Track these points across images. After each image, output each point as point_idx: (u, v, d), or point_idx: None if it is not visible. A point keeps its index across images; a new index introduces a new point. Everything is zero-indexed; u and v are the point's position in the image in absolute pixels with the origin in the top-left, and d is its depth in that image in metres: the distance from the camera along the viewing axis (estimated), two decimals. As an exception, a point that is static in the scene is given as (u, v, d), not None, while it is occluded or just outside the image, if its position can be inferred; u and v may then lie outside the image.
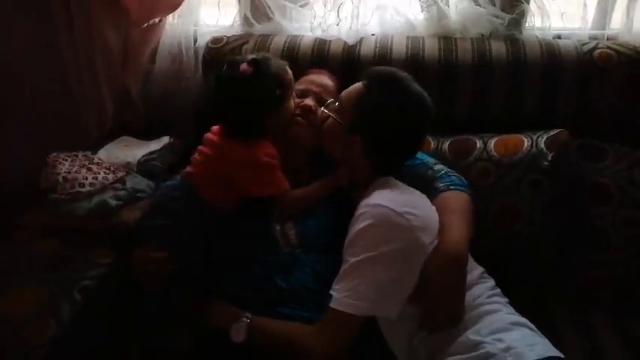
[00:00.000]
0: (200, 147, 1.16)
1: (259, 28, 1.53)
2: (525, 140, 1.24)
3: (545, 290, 1.27)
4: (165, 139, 1.52)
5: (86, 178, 1.30)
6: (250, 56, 1.10)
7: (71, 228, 1.27)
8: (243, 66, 1.07)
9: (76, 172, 1.32)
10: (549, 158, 1.18)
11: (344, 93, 1.11)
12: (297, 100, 1.23)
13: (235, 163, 1.09)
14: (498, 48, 1.38)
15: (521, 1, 1.42)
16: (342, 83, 1.31)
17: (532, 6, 1.44)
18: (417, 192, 1.07)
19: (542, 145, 1.21)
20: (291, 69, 1.37)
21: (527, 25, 1.46)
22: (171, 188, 1.15)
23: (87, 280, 1.15)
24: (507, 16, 1.42)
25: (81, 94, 1.60)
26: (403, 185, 1.07)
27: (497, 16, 1.43)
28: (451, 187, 1.11)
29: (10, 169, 1.61)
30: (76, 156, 1.39)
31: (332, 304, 0.96)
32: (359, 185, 1.09)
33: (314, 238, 1.13)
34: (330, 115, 1.11)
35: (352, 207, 1.08)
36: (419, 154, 1.19)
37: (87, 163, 1.37)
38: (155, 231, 1.10)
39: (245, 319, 1.02)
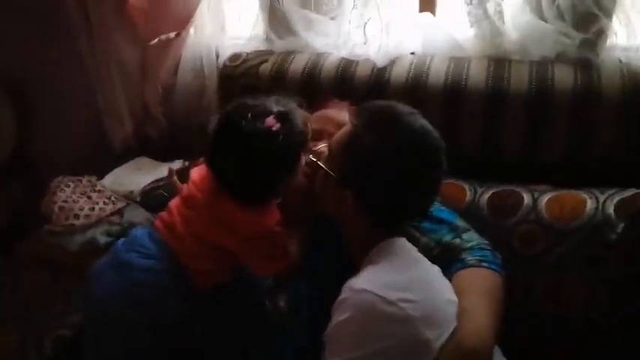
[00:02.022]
0: (180, 203, 0.94)
1: (282, 44, 1.37)
2: (589, 200, 0.97)
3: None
4: (178, 164, 1.40)
5: (82, 209, 1.23)
6: (275, 107, 0.89)
7: (63, 262, 1.20)
8: (270, 120, 0.87)
9: (73, 201, 1.25)
10: (618, 229, 0.91)
11: (335, 136, 0.91)
12: (310, 144, 1.01)
13: (243, 235, 0.89)
14: (564, 74, 1.11)
15: (599, 15, 1.12)
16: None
17: (614, 21, 1.13)
18: (426, 264, 0.85)
19: (611, 211, 0.93)
20: (311, 95, 1.21)
21: (607, 44, 1.16)
22: (145, 257, 0.90)
23: (63, 329, 1.06)
24: (580, 36, 1.13)
25: (104, 106, 1.55)
26: (407, 254, 0.85)
27: (566, 35, 1.14)
28: (483, 263, 0.87)
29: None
30: (80, 181, 1.33)
31: None
32: (359, 250, 0.88)
33: (305, 305, 0.96)
34: (318, 165, 0.91)
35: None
36: (445, 212, 0.96)
37: (88, 190, 1.30)
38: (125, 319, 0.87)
39: None
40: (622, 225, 0.91)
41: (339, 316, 0.78)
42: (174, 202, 0.95)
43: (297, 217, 1.01)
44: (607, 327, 0.94)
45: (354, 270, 0.86)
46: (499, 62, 1.17)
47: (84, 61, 1.50)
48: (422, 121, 0.85)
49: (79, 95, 1.60)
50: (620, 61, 1.14)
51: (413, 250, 0.87)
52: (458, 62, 1.18)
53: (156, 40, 1.38)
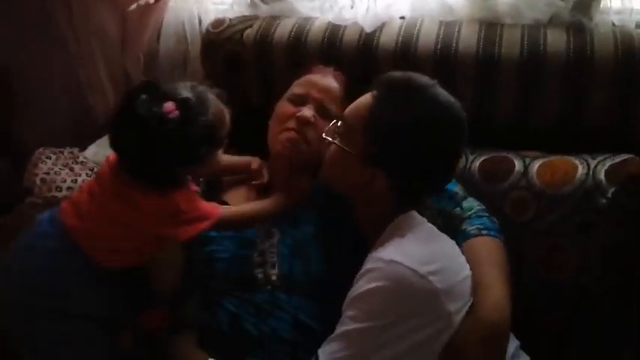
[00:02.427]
0: (93, 180, 0.90)
1: (267, 9, 1.32)
2: (580, 166, 0.96)
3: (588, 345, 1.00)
4: (162, 134, 1.37)
5: (65, 181, 1.19)
6: (183, 94, 0.82)
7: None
8: (169, 106, 0.80)
9: (55, 173, 1.21)
10: (608, 194, 0.90)
11: (350, 111, 0.87)
12: (292, 109, 1.01)
13: (146, 212, 0.84)
14: (556, 39, 1.08)
15: (594, -24, 1.09)
16: (356, 81, 1.09)
17: (609, -17, 1.11)
18: (444, 237, 0.85)
19: (602, 176, 0.92)
20: (298, 61, 1.18)
21: (600, 7, 1.13)
22: (41, 240, 0.86)
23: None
24: (574, -2, 1.10)
25: (85, 79, 1.50)
26: (426, 226, 0.85)
27: (560, -3, 1.11)
28: (483, 231, 0.88)
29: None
30: (62, 153, 1.28)
31: None
32: (376, 225, 0.86)
33: (300, 281, 0.94)
34: (333, 143, 0.87)
35: (357, 243, 0.89)
36: None
37: (70, 162, 1.25)
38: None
39: None
40: (612, 190, 0.91)
41: (366, 284, 0.77)
42: (88, 180, 0.92)
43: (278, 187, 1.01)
44: (598, 292, 0.94)
45: (362, 247, 0.85)
46: (491, 26, 1.13)
47: (63, 33, 1.45)
48: (444, 93, 0.84)
49: (60, 67, 1.53)
50: (614, 24, 1.11)
51: (429, 223, 0.86)
52: (448, 26, 1.15)
53: (134, 5, 1.32)
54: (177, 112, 0.80)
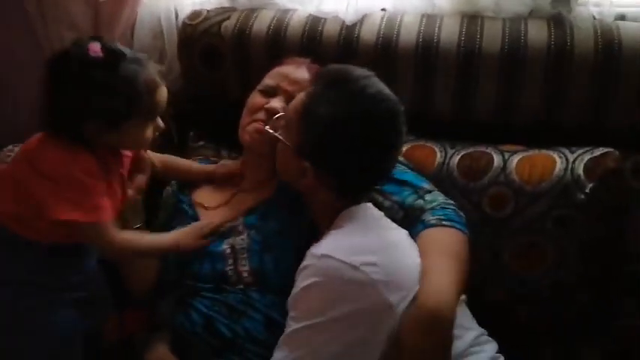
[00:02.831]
0: None
1: (246, 1, 1.29)
2: (558, 161, 0.96)
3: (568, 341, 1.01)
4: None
5: (35, 178, 1.15)
6: (120, 47, 0.82)
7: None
8: (94, 45, 0.79)
9: (26, 169, 1.17)
10: (587, 190, 0.90)
11: (291, 104, 0.88)
12: (262, 100, 1.01)
13: (42, 176, 0.80)
14: (537, 32, 1.07)
15: (574, -31, 1.08)
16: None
17: (589, -25, 1.10)
18: (391, 228, 0.84)
19: (581, 171, 0.92)
20: (277, 55, 1.15)
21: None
22: None
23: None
24: (554, -10, 1.10)
25: None
26: (369, 218, 0.84)
27: (541, -10, 1.10)
28: (444, 222, 0.86)
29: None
30: (33, 150, 1.24)
31: None
32: (325, 220, 0.86)
33: (272, 276, 0.93)
34: (274, 135, 0.89)
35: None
36: (409, 174, 0.95)
37: (42, 158, 1.22)
38: None
39: None
40: (590, 185, 0.91)
41: (302, 282, 0.77)
42: None
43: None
44: (577, 289, 0.95)
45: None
46: (472, 19, 1.12)
47: (32, 22, 1.40)
48: (377, 86, 0.83)
49: (28, 57, 1.48)
50: (594, 17, 1.11)
51: (377, 214, 0.85)
52: (430, 19, 1.14)
53: (107, -5, 1.28)
54: (100, 54, 0.79)
